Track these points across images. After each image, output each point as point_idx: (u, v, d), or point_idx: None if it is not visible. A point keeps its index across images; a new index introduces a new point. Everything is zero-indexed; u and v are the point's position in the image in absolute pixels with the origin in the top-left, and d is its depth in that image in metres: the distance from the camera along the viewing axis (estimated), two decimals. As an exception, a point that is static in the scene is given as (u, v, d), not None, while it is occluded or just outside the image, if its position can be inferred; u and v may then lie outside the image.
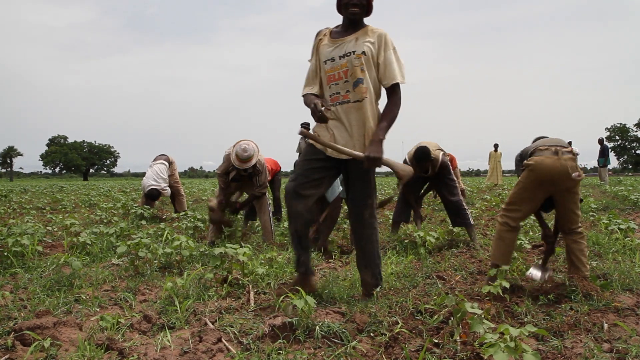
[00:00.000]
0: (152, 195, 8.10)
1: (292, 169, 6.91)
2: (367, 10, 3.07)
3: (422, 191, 6.05)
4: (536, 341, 2.44)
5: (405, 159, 5.63)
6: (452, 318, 2.52)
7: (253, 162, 5.33)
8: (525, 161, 3.35)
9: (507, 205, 3.43)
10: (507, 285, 3.06)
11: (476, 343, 2.24)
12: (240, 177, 5.59)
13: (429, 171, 5.52)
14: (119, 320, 2.68)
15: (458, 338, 2.35)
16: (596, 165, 19.41)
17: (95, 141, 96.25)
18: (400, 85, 3.01)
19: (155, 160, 8.57)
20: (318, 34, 3.21)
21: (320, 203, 5.16)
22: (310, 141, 3.19)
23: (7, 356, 2.24)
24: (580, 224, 3.40)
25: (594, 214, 7.56)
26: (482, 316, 2.29)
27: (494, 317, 2.76)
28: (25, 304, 3.01)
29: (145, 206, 7.98)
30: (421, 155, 5.37)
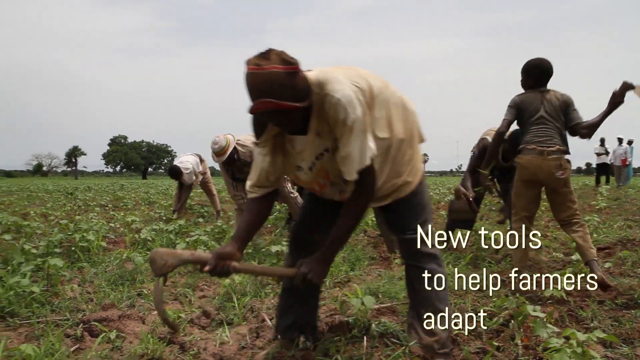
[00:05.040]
0: (172, 172, 7.82)
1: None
2: (295, 119, 1.85)
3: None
4: (604, 348, 2.32)
5: (483, 142, 4.34)
6: (512, 321, 2.45)
7: (228, 152, 4.97)
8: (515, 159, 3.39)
9: (514, 209, 3.49)
10: (570, 288, 2.94)
11: (540, 348, 2.17)
12: (241, 171, 5.18)
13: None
14: (180, 315, 2.76)
15: (519, 342, 2.28)
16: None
17: (153, 141, 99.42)
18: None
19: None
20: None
21: None
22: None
23: (77, 346, 2.35)
24: (577, 215, 3.30)
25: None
26: (545, 320, 2.21)
27: (557, 322, 2.66)
28: (92, 297, 3.15)
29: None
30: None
